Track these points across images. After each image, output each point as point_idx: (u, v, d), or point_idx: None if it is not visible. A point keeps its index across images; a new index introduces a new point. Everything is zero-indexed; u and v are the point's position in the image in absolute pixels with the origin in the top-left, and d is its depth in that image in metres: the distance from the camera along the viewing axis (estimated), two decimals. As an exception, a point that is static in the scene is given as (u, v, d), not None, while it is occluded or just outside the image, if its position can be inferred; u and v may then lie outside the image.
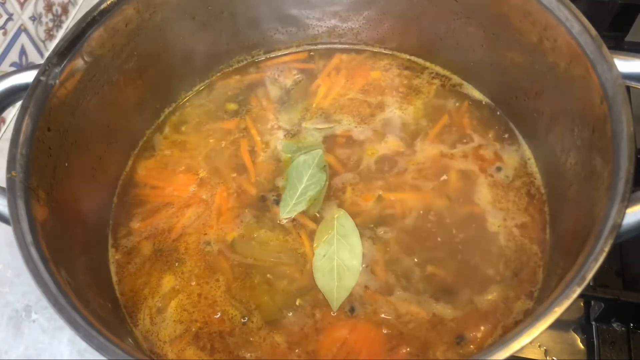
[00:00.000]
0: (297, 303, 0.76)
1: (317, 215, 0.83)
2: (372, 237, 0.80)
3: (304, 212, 0.83)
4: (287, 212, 0.83)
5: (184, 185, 0.89)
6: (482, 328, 0.72)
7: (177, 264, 0.81)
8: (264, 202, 0.85)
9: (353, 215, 0.82)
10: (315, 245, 0.80)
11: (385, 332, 0.72)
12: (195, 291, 0.78)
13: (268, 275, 0.78)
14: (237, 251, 0.81)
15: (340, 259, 0.77)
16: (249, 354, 0.72)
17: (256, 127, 0.94)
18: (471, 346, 0.71)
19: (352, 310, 0.74)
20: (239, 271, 0.79)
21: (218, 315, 0.76)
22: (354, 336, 0.73)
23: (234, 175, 0.89)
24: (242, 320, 0.75)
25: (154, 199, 0.88)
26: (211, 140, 0.94)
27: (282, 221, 0.83)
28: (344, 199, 0.84)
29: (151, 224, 0.85)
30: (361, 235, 0.80)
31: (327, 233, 0.80)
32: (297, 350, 0.72)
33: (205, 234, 0.83)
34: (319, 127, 0.93)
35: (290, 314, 0.75)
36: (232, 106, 0.98)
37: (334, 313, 0.74)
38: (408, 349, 0.71)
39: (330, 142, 0.91)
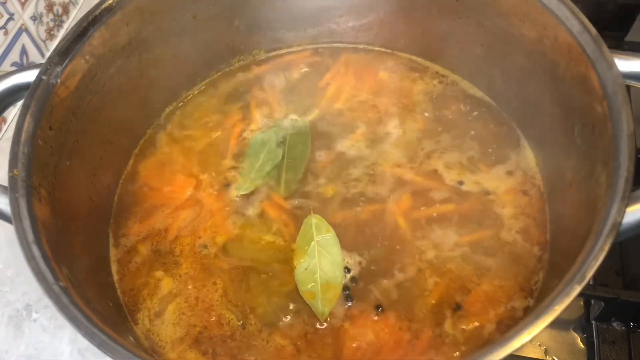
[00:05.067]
0: (293, 305, 0.75)
1: (298, 208, 0.83)
2: (366, 241, 0.79)
3: (291, 208, 0.83)
4: (244, 188, 0.85)
5: (183, 186, 0.88)
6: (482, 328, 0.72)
7: (173, 266, 0.80)
8: (256, 201, 0.85)
9: (336, 221, 0.80)
10: (295, 256, 0.78)
11: (384, 331, 0.72)
12: (193, 294, 0.78)
13: (263, 276, 0.78)
14: (230, 253, 0.80)
15: (322, 271, 0.75)
16: (251, 357, 0.72)
17: (255, 126, 0.94)
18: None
19: (348, 309, 0.74)
20: (235, 273, 0.79)
21: (214, 319, 0.75)
22: (353, 333, 0.72)
23: (232, 174, 0.89)
24: (239, 323, 0.74)
25: (153, 199, 0.88)
26: (211, 140, 0.94)
27: (238, 197, 0.85)
28: (329, 202, 0.83)
29: (150, 224, 0.85)
30: (353, 241, 0.79)
31: (307, 243, 0.78)
32: (298, 350, 0.72)
33: (200, 237, 0.83)
34: (317, 126, 0.93)
35: (288, 315, 0.74)
36: (233, 105, 0.98)
37: (321, 325, 0.73)
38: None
39: (328, 142, 0.91)
